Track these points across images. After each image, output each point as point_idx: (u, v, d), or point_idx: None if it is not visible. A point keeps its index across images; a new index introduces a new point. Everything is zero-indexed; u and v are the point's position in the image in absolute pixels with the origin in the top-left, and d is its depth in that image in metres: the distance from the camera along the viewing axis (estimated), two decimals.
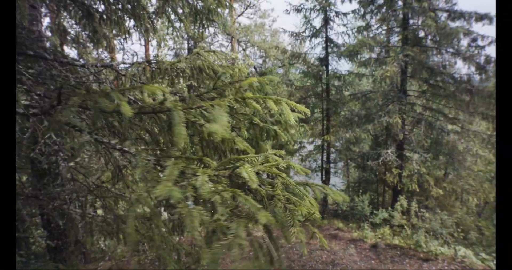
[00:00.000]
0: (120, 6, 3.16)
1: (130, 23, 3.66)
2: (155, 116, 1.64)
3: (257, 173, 1.44)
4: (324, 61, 11.91)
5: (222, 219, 1.20)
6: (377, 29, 10.98)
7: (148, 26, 3.38)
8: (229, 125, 1.26)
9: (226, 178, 1.43)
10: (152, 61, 3.10)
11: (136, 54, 10.85)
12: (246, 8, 15.98)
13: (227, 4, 3.77)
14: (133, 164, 2.19)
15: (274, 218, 1.25)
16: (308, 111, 1.53)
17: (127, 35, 3.72)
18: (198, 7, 3.65)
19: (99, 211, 3.79)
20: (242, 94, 1.46)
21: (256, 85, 2.23)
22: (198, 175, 1.28)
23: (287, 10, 12.00)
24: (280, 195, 1.40)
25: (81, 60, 5.84)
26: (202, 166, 1.73)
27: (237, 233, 1.15)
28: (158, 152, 1.88)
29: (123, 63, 3.29)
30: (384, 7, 10.11)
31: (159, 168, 1.47)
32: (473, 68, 9.02)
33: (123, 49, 10.45)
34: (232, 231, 1.16)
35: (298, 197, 1.48)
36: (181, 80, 3.55)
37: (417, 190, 9.52)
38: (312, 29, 11.99)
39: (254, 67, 16.09)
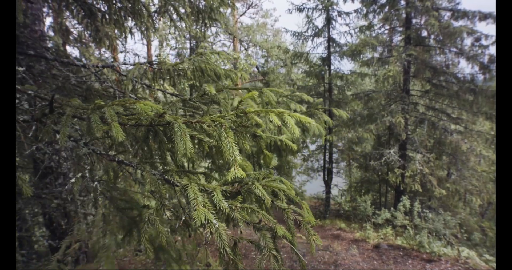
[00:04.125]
0: (120, 5, 3.17)
1: (131, 22, 3.66)
2: (153, 129, 1.60)
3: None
4: (326, 60, 11.88)
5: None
6: (379, 28, 10.93)
7: (149, 24, 3.38)
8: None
9: (235, 193, 1.47)
10: (154, 62, 3.10)
11: (138, 56, 10.87)
12: (248, 8, 15.99)
13: (230, 3, 3.77)
14: (134, 176, 2.21)
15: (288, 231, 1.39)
16: (312, 121, 1.53)
17: (128, 35, 3.73)
18: (201, 6, 3.65)
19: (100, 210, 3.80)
20: (243, 109, 1.46)
21: (256, 97, 2.28)
22: (212, 192, 1.31)
23: (289, 9, 11.98)
24: (288, 209, 1.46)
25: (83, 59, 5.86)
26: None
27: (268, 245, 1.27)
28: (160, 166, 1.89)
29: (125, 63, 3.30)
30: (387, 7, 10.06)
31: (166, 183, 1.47)
32: (476, 68, 8.96)
33: (125, 49, 10.49)
34: (262, 244, 1.27)
35: (298, 206, 1.55)
36: (183, 80, 3.55)
37: (420, 190, 9.46)
38: (314, 28, 11.96)
39: (256, 67, 16.09)
